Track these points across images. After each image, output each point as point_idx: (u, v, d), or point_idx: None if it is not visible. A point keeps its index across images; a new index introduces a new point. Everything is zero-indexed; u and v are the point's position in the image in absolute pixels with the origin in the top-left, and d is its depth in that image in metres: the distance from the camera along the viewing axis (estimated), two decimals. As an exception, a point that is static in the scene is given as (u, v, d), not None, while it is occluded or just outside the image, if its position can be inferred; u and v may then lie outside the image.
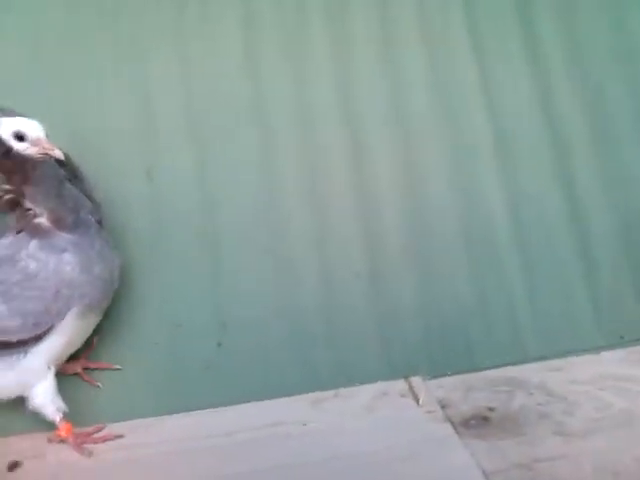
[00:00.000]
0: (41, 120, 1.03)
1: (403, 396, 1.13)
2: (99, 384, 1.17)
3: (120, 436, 1.09)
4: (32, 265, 1.00)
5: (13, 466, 1.05)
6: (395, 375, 1.19)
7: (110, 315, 1.14)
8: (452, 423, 1.04)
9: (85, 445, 1.07)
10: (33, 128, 1.03)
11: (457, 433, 1.01)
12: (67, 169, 1.06)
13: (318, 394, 1.16)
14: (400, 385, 1.17)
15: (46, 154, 1.02)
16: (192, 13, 1.29)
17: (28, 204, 1.03)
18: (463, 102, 1.32)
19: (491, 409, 1.08)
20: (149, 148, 1.24)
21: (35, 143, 1.02)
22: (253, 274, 1.23)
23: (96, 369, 1.18)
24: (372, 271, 1.23)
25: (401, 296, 1.23)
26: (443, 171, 1.30)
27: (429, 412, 1.08)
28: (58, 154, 1.03)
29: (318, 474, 0.96)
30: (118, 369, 1.18)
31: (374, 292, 1.23)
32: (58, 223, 1.03)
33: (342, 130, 1.28)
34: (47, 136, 1.03)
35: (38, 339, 1.02)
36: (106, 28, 1.26)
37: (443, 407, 1.09)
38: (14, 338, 1.02)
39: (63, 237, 1.02)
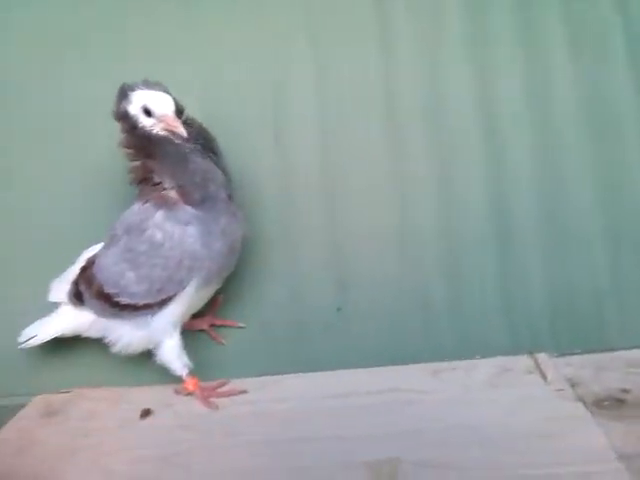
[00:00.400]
0: (177, 91, 1.05)
1: (529, 372, 1.09)
2: (224, 341, 1.22)
3: (244, 391, 1.13)
4: (158, 235, 1.04)
5: (146, 413, 1.11)
6: (518, 351, 1.16)
7: (235, 276, 1.17)
8: (584, 403, 0.99)
9: (211, 399, 1.12)
10: (161, 104, 1.03)
11: (590, 413, 0.96)
12: (203, 142, 1.06)
13: (437, 364, 1.15)
14: (525, 361, 1.13)
15: (171, 132, 1.04)
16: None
17: (157, 178, 1.06)
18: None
19: (626, 391, 1.02)
20: (277, 116, 1.26)
21: (161, 119, 1.04)
22: (374, 240, 1.22)
23: (222, 326, 1.23)
24: (500, 239, 1.19)
25: (529, 267, 1.19)
26: (580, 156, 1.22)
27: (558, 390, 1.03)
28: (180, 132, 1.03)
29: (439, 441, 0.94)
30: (242, 327, 1.22)
31: (501, 262, 1.19)
32: (185, 197, 1.05)
33: (477, 120, 1.23)
34: (180, 111, 1.04)
35: (162, 304, 1.08)
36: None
37: (572, 386, 1.04)
38: (141, 302, 1.08)
39: (188, 210, 1.04)
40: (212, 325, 1.22)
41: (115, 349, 1.13)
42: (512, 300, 1.18)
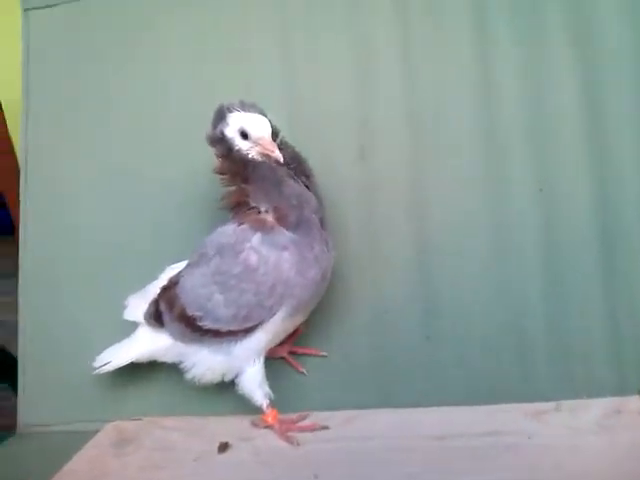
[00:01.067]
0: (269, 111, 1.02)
1: (643, 414, 0.99)
2: (304, 370, 1.15)
3: (326, 427, 1.06)
4: (253, 258, 0.98)
5: (224, 447, 1.05)
6: (627, 390, 1.05)
7: (319, 302, 1.10)
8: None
9: (291, 433, 1.05)
10: (258, 127, 1.00)
11: None
12: (296, 166, 1.02)
13: (539, 404, 1.05)
14: (637, 402, 1.02)
15: (266, 155, 1.00)
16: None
17: (252, 202, 1.02)
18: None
19: None
20: (364, 130, 1.20)
21: (257, 142, 1.00)
22: (466, 264, 1.13)
23: (302, 354, 1.16)
24: (606, 274, 1.09)
25: (639, 298, 1.08)
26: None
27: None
28: (277, 156, 0.99)
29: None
30: (324, 356, 1.15)
31: (608, 291, 1.08)
32: (282, 220, 1.00)
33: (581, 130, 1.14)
34: (275, 134, 1.00)
35: (246, 332, 1.02)
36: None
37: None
38: (225, 328, 1.02)
39: (285, 234, 1.00)
40: (292, 353, 1.16)
41: (189, 376, 1.08)
42: (620, 334, 1.07)
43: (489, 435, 0.99)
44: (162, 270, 1.14)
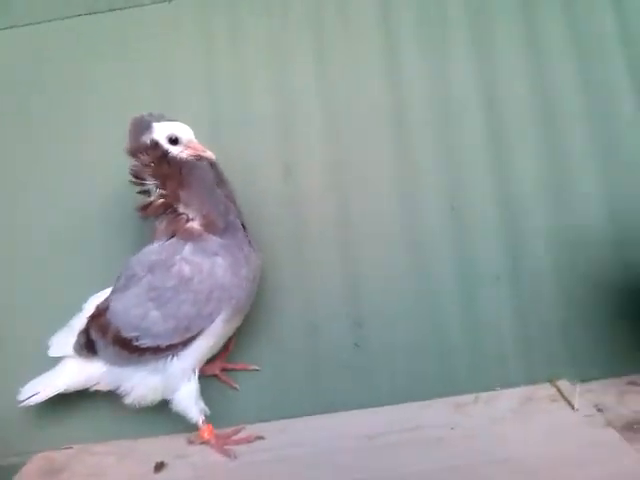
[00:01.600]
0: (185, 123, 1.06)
1: (553, 400, 1.07)
2: (237, 386, 1.17)
3: (261, 437, 1.08)
4: (187, 269, 1.00)
5: (159, 467, 1.05)
6: (537, 380, 1.14)
7: (247, 317, 1.13)
8: (614, 427, 0.98)
9: (227, 447, 1.06)
10: (185, 131, 1.05)
11: (623, 438, 0.95)
12: (214, 173, 1.06)
13: (458, 398, 1.12)
14: (546, 390, 1.11)
15: (199, 156, 1.04)
16: (331, 17, 1.28)
17: (182, 208, 1.04)
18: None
19: (654, 414, 1.01)
20: (288, 147, 1.24)
21: (188, 146, 1.04)
22: (390, 275, 1.19)
23: (233, 370, 1.18)
24: (512, 273, 1.18)
25: (543, 297, 1.17)
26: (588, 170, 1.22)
27: (587, 416, 1.01)
28: (210, 155, 1.04)
29: (474, 478, 0.91)
30: (256, 370, 1.17)
31: (516, 294, 1.17)
32: (210, 227, 1.03)
33: (484, 129, 1.23)
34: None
35: (187, 343, 1.03)
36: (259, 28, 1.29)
37: (599, 411, 1.03)
38: (165, 343, 1.02)
39: (215, 240, 1.02)
40: (224, 370, 1.17)
41: (128, 400, 1.07)
42: (529, 329, 1.16)
43: (417, 429, 1.05)
44: (84, 300, 1.13)
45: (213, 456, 1.06)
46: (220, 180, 1.06)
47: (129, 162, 1.05)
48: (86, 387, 1.10)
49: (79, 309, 1.12)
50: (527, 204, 1.20)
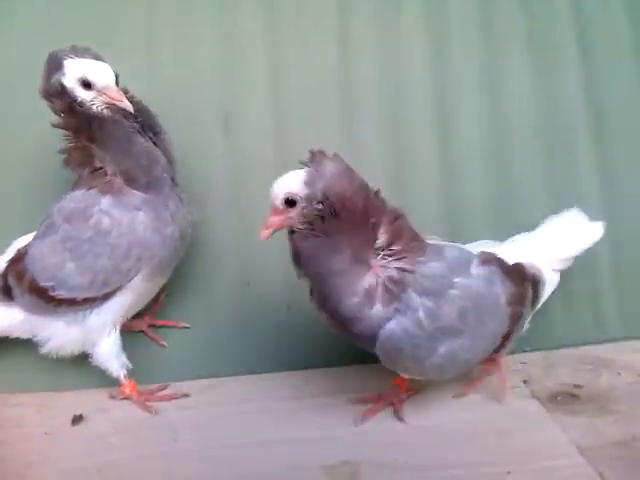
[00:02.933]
0: (118, 66, 0.94)
1: (482, 370, 1.08)
2: (164, 343, 1.13)
3: (186, 395, 1.06)
4: (105, 221, 0.94)
5: (77, 420, 1.02)
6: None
7: (179, 273, 1.09)
8: (538, 399, 0.99)
9: (149, 403, 1.04)
10: (101, 74, 0.91)
11: (545, 409, 0.96)
12: (143, 121, 0.97)
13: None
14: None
15: (113, 105, 0.92)
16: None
17: (98, 163, 0.96)
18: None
19: (578, 386, 1.02)
20: (228, 98, 1.19)
21: (102, 92, 0.92)
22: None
23: (162, 327, 1.14)
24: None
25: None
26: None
27: (513, 387, 1.02)
28: (126, 106, 0.92)
29: (395, 442, 0.91)
30: (186, 327, 1.14)
31: None
32: (131, 182, 0.96)
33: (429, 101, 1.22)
34: (117, 83, 0.93)
35: (105, 298, 0.98)
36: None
37: (525, 382, 1.04)
38: (81, 296, 0.97)
39: (137, 195, 0.96)
40: (151, 326, 1.14)
41: (45, 350, 1.03)
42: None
43: (343, 393, 1.04)
44: (7, 244, 1.06)
45: (134, 411, 1.03)
46: (149, 129, 0.98)
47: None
48: (5, 335, 1.05)
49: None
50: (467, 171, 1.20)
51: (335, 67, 1.21)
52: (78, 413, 1.02)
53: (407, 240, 0.86)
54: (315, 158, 0.84)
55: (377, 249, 0.85)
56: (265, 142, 1.18)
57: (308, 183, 0.82)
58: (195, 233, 1.08)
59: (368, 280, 0.84)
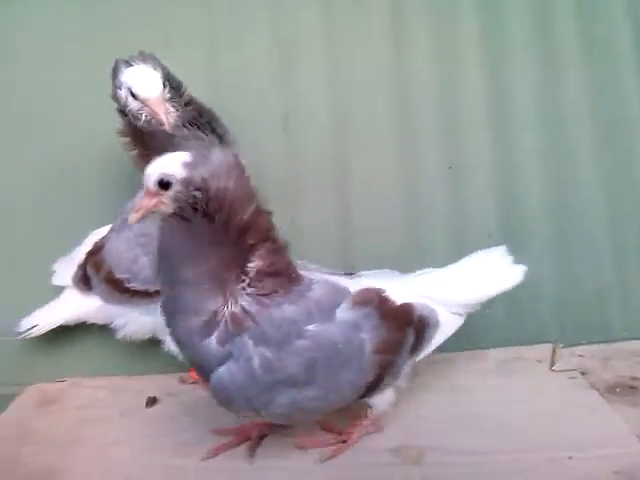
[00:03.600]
0: (180, 70, 0.98)
1: (539, 361, 1.10)
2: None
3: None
4: None
5: (151, 402, 1.08)
6: (525, 341, 1.16)
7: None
8: (597, 390, 1.00)
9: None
10: (144, 85, 0.93)
11: (605, 400, 0.97)
12: (202, 123, 0.99)
13: (448, 354, 1.12)
14: (533, 351, 1.13)
15: (153, 117, 0.94)
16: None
17: None
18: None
19: (636, 379, 1.03)
20: (287, 97, 1.23)
21: (145, 103, 0.93)
22: (385, 227, 1.20)
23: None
24: (506, 233, 1.19)
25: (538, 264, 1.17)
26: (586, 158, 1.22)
27: (571, 378, 1.04)
28: (162, 120, 0.93)
29: (458, 428, 0.93)
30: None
31: None
32: None
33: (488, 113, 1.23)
34: (177, 89, 0.96)
35: None
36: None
37: (583, 374, 1.06)
38: (153, 289, 1.01)
39: None
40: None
41: (119, 335, 1.09)
42: (519, 294, 1.17)
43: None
44: (83, 235, 1.14)
45: (202, 395, 1.07)
46: (215, 132, 1.00)
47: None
48: (83, 321, 1.12)
49: (78, 242, 1.13)
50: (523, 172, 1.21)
51: (390, 67, 1.23)
52: (152, 395, 1.08)
53: (275, 276, 0.78)
54: (207, 146, 0.77)
55: (242, 274, 0.77)
56: (322, 140, 1.22)
57: (189, 165, 0.73)
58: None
59: (216, 304, 0.76)
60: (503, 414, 0.96)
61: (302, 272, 0.83)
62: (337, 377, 0.81)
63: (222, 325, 0.76)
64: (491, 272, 0.95)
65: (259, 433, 0.94)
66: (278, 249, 0.79)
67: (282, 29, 1.24)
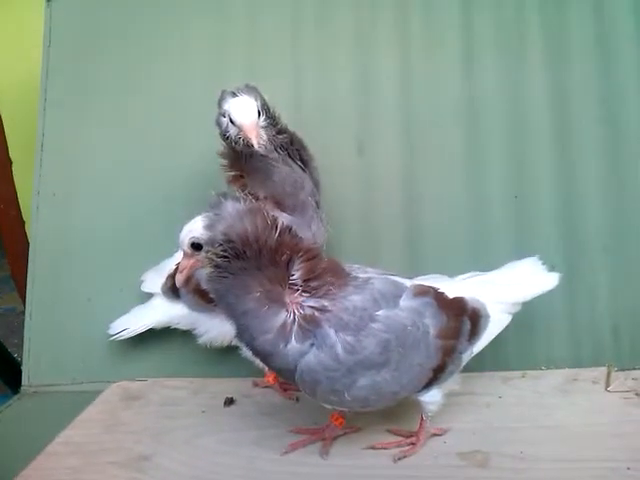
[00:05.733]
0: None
1: (595, 383, 1.14)
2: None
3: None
4: None
5: (229, 402, 1.16)
6: (581, 364, 1.21)
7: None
8: (651, 411, 1.05)
9: (289, 391, 1.17)
10: (239, 112, 1.02)
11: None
12: (295, 150, 1.09)
13: (505, 373, 1.20)
14: (589, 373, 1.17)
15: (248, 141, 1.03)
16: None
17: (251, 190, 1.08)
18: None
19: (689, 402, 1.08)
20: (362, 122, 1.33)
21: (241, 128, 1.03)
22: (452, 259, 1.27)
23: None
24: (568, 264, 1.24)
25: (595, 285, 1.24)
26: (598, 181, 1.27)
27: (626, 398, 1.08)
28: (253, 143, 1.02)
29: (521, 437, 0.99)
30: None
31: (568, 280, 1.20)
32: (279, 205, 1.09)
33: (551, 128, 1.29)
34: (272, 118, 1.05)
35: None
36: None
37: (637, 395, 1.10)
38: None
39: (284, 217, 1.06)
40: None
41: (201, 340, 1.19)
42: (577, 316, 1.24)
43: (469, 394, 1.11)
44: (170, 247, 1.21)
45: (275, 398, 1.17)
46: (301, 159, 1.10)
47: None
48: (169, 325, 1.22)
49: (169, 254, 1.23)
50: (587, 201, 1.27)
51: (461, 97, 1.32)
52: (230, 396, 1.17)
53: (325, 276, 0.88)
54: (215, 202, 0.86)
55: (293, 285, 0.87)
56: (394, 165, 1.31)
57: (208, 227, 0.85)
58: (328, 248, 1.18)
59: (282, 317, 0.85)
60: (563, 427, 1.01)
61: (359, 272, 0.93)
62: (409, 359, 0.90)
63: (296, 328, 0.86)
64: (530, 276, 1.06)
65: (333, 434, 1.02)
66: (312, 256, 0.89)
67: (360, 58, 1.35)
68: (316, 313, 0.86)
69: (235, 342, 1.15)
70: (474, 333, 0.96)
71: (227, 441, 1.03)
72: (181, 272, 0.91)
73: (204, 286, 1.11)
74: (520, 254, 1.24)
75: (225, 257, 0.84)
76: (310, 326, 0.86)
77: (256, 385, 1.21)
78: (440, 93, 1.33)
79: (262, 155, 1.05)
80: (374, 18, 1.36)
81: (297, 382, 0.88)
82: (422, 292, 0.93)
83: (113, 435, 1.08)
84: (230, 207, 0.85)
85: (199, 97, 1.33)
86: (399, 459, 0.96)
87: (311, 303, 0.87)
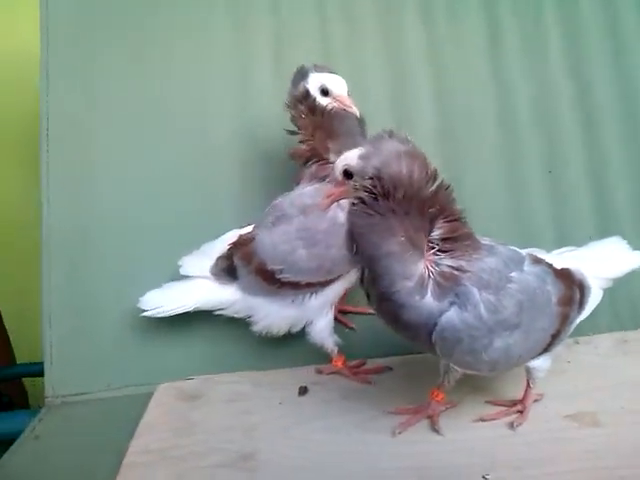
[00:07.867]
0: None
1: (648, 342, 1.20)
2: (354, 326, 1.23)
3: (389, 368, 1.15)
4: (341, 215, 1.00)
5: (303, 391, 1.10)
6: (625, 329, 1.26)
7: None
8: None
9: (362, 375, 1.13)
10: (337, 84, 1.08)
11: None
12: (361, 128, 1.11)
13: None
14: (637, 333, 1.23)
15: (345, 110, 1.08)
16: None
17: (332, 158, 1.07)
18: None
19: None
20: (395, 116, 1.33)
21: (337, 99, 1.08)
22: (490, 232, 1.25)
23: (352, 313, 1.24)
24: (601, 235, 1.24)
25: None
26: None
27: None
28: (355, 111, 1.08)
29: (611, 396, 1.02)
30: (371, 314, 1.22)
31: None
32: None
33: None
34: (349, 94, 1.09)
35: (324, 284, 1.08)
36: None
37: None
38: (305, 280, 1.07)
39: None
40: (342, 312, 1.23)
41: (257, 328, 1.12)
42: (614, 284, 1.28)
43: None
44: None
45: (346, 382, 1.12)
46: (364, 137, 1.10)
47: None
48: (214, 309, 1.13)
49: (208, 238, 1.16)
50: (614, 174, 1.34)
51: (492, 86, 1.35)
52: (302, 385, 1.10)
53: (462, 240, 0.86)
54: (378, 136, 0.84)
55: (431, 241, 0.84)
56: (430, 150, 1.27)
57: (363, 157, 0.82)
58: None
59: (421, 268, 0.83)
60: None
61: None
62: (535, 322, 0.90)
63: (432, 284, 0.83)
64: (619, 253, 1.08)
65: (437, 410, 0.99)
66: (457, 218, 0.87)
67: (392, 55, 1.35)
68: (455, 272, 0.84)
69: (294, 329, 1.12)
70: (581, 303, 0.97)
71: (328, 428, 0.98)
72: (327, 197, 0.89)
73: (270, 266, 1.07)
74: (557, 227, 1.31)
75: (373, 193, 0.81)
76: (449, 283, 0.83)
77: (320, 372, 1.15)
78: (470, 78, 1.35)
79: (352, 118, 1.09)
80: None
81: (434, 340, 0.84)
82: (538, 260, 0.93)
83: (192, 437, 0.99)
84: (390, 145, 0.81)
85: (221, 80, 1.29)
86: (517, 425, 0.96)
87: (449, 262, 0.84)
